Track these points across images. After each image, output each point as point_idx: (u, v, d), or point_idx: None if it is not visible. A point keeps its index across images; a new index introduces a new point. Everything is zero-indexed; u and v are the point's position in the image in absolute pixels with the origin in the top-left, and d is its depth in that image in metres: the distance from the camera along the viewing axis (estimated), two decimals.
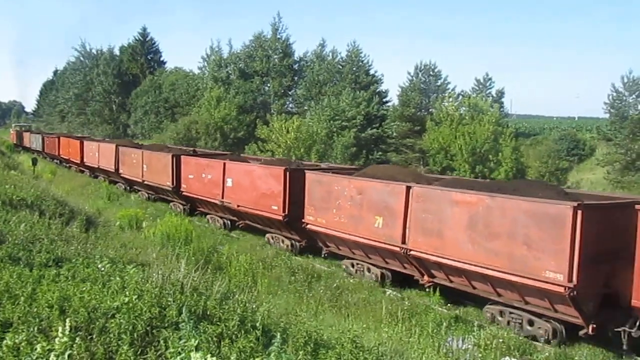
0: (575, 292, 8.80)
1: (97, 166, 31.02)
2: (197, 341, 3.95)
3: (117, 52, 73.55)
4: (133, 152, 26.51)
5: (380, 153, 42.02)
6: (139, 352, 4.02)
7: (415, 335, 9.05)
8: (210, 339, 4.17)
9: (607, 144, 41.26)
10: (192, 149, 29.92)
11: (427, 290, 11.88)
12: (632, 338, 8.80)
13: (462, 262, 10.61)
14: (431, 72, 46.32)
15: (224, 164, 18.63)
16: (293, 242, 15.77)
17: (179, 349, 3.89)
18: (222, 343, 4.15)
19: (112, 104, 69.19)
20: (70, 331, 3.95)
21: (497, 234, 10.03)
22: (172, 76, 62.54)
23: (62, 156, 39.45)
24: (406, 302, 11.22)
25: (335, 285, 12.37)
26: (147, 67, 68.39)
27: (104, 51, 75.08)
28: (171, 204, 22.83)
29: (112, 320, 4.21)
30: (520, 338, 9.51)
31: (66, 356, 3.82)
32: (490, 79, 51.46)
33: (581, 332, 9.38)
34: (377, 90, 46.25)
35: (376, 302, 11.13)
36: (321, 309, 10.58)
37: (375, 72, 48.20)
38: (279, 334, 4.42)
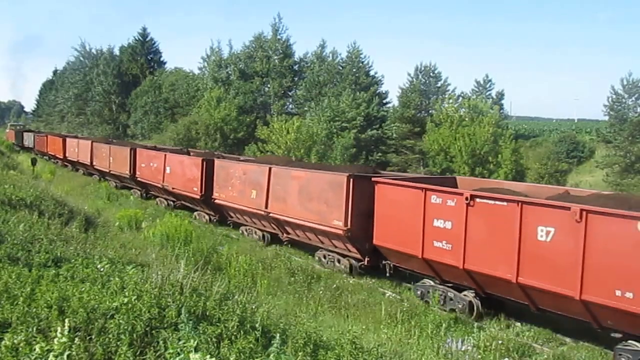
0: (350, 233, 13.17)
1: (76, 160, 35.50)
2: (196, 342, 3.94)
3: (117, 52, 73.59)
4: (103, 147, 30.92)
5: (380, 154, 42.01)
6: (138, 353, 4.01)
7: (415, 337, 9.05)
8: (209, 339, 4.16)
9: (606, 146, 41.25)
10: (153, 145, 33.74)
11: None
12: (392, 267, 12.75)
13: (297, 219, 15.01)
14: (431, 74, 46.37)
15: (165, 155, 23.27)
16: (210, 216, 20.18)
17: (178, 350, 3.88)
18: (221, 344, 4.14)
19: (112, 104, 69.10)
20: (69, 331, 3.93)
21: (313, 197, 14.47)
22: (172, 76, 62.44)
23: (50, 152, 43.56)
24: (405, 304, 11.22)
25: (334, 286, 12.38)
26: (147, 67, 68.23)
27: (104, 51, 75.09)
28: (132, 190, 26.88)
29: (111, 321, 4.20)
30: (519, 340, 9.52)
31: (65, 357, 3.81)
32: (490, 80, 51.53)
33: (359, 264, 13.65)
34: (377, 91, 46.26)
35: (375, 304, 11.14)
36: (321, 309, 10.57)
37: (376, 73, 48.29)
38: (278, 334, 4.41)
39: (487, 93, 50.40)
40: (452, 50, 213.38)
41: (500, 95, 50.24)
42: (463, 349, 8.73)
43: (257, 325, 4.55)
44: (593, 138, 47.00)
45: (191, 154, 25.30)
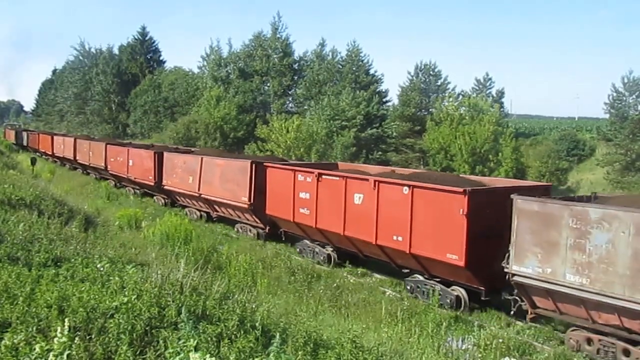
0: (252, 207, 17.14)
1: (62, 155, 39.47)
2: (196, 341, 3.93)
3: (116, 51, 73.45)
4: (84, 143, 34.86)
5: (380, 153, 41.91)
6: (138, 352, 4.00)
7: (415, 336, 9.04)
8: (209, 339, 4.14)
9: (607, 144, 41.19)
10: (128, 142, 37.20)
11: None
12: (290, 236, 16.41)
13: (219, 198, 18.72)
14: (431, 72, 46.22)
15: (127, 150, 27.27)
16: (164, 200, 24.00)
17: (178, 349, 3.87)
18: (221, 343, 4.13)
19: (112, 104, 68.99)
20: (69, 331, 3.92)
21: (229, 180, 18.23)
22: (172, 75, 62.34)
23: (41, 149, 47.02)
24: (406, 302, 11.21)
25: (335, 285, 12.37)
26: (146, 66, 68.09)
27: (103, 50, 74.98)
28: (108, 180, 29.98)
29: (111, 320, 4.19)
30: (520, 338, 9.50)
31: (65, 356, 3.80)
32: (490, 79, 51.34)
33: (261, 232, 17.37)
34: (377, 90, 46.09)
35: (376, 303, 11.13)
36: (321, 309, 10.56)
37: (375, 71, 48.03)
38: (278, 334, 4.40)
39: (488, 91, 50.27)
40: (452, 48, 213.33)
41: (501, 93, 50.08)
42: (463, 348, 8.73)
43: (257, 325, 4.53)
44: (594, 136, 46.93)
45: (154, 145, 30.57)
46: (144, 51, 69.80)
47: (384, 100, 47.03)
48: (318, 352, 4.50)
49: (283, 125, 38.23)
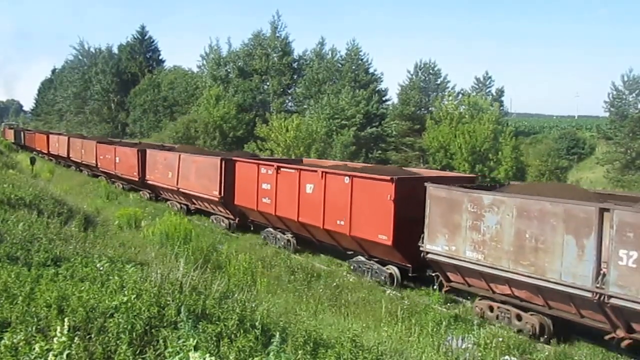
0: (223, 200, 18.61)
1: (57, 154, 41.42)
2: (195, 340, 3.93)
3: (115, 50, 73.30)
4: (77, 141, 36.80)
5: (379, 152, 41.91)
6: (137, 352, 4.00)
7: (415, 334, 9.03)
8: (209, 338, 4.14)
9: (607, 143, 41.25)
10: (118, 140, 38.58)
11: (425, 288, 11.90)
12: (257, 226, 17.74)
13: (195, 192, 20.40)
14: (431, 71, 46.19)
15: (114, 148, 28.96)
16: (148, 194, 25.59)
17: (178, 349, 3.87)
18: (221, 342, 4.12)
19: (111, 103, 68.88)
20: (68, 331, 3.92)
21: (203, 175, 19.80)
22: (171, 75, 62.23)
23: (37, 148, 48.89)
24: (406, 302, 11.21)
25: (334, 284, 12.36)
26: (145, 65, 67.93)
27: (103, 50, 74.83)
28: (99, 177, 31.53)
29: (111, 320, 4.19)
30: (520, 337, 9.51)
31: (65, 356, 3.80)
32: (489, 77, 51.48)
33: (232, 222, 18.88)
34: (377, 88, 46.04)
35: (376, 302, 11.13)
36: (321, 308, 10.56)
37: (375, 70, 47.95)
38: (278, 333, 4.39)
39: (487, 90, 50.38)
40: (452, 47, 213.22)
41: (500, 92, 50.14)
42: (463, 347, 8.72)
43: (256, 324, 4.53)
44: (593, 135, 47.00)
45: (140, 143, 32.41)
46: (143, 50, 69.68)
47: (384, 99, 46.99)
48: (318, 351, 4.50)
49: (282, 124, 38.18)
